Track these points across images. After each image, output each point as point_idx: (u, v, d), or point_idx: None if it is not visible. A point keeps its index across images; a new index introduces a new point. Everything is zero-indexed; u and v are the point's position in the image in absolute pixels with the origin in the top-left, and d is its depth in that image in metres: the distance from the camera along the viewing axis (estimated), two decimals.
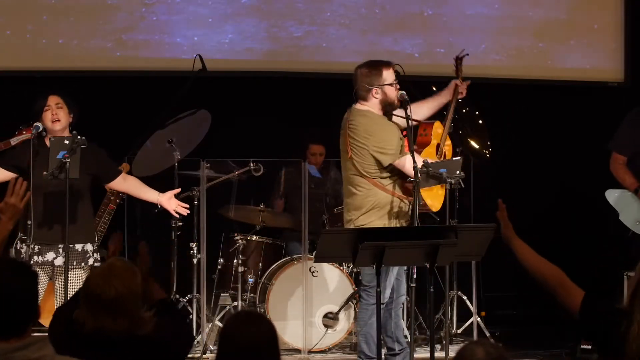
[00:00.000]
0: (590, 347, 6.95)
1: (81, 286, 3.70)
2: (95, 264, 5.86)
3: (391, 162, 5.99)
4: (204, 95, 7.74)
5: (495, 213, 3.78)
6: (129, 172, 6.86)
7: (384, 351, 6.25)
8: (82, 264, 5.84)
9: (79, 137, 5.67)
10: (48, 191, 5.78)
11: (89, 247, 5.86)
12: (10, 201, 4.38)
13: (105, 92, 8.32)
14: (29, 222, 5.72)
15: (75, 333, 3.58)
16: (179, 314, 4.08)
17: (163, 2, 8.30)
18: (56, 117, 5.84)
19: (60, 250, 5.79)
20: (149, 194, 6.13)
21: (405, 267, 6.13)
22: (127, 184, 6.11)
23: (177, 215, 6.17)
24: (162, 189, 6.16)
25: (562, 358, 7.26)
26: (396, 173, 6.07)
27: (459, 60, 6.52)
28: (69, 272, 5.75)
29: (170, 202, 6.08)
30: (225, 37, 8.38)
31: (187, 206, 6.17)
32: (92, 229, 5.99)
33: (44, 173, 5.67)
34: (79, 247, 5.83)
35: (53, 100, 5.88)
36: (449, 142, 6.46)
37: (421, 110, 6.33)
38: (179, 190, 6.21)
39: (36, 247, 5.81)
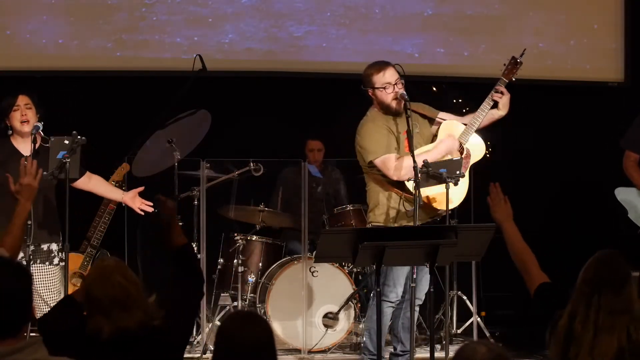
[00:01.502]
0: None
1: (85, 297, 3.63)
2: (61, 263, 5.84)
3: (372, 159, 6.03)
4: (204, 95, 7.73)
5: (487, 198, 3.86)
6: (129, 172, 6.86)
7: (390, 349, 6.27)
8: (47, 263, 5.82)
9: (79, 137, 5.66)
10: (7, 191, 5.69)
11: (53, 246, 5.84)
12: (25, 181, 4.46)
13: (105, 92, 8.32)
14: (29, 222, 5.69)
15: (94, 344, 3.55)
16: (195, 261, 4.06)
17: (163, 2, 8.30)
18: (25, 118, 5.82)
19: (26, 249, 5.72)
20: (113, 193, 6.26)
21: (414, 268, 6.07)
22: (91, 183, 6.09)
23: (142, 213, 6.17)
24: (162, 189, 6.13)
25: None
26: None
27: (514, 60, 6.29)
28: (34, 272, 5.75)
29: (134, 200, 6.13)
30: (225, 37, 8.38)
31: (151, 204, 6.15)
32: (56, 229, 5.91)
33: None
34: (44, 246, 5.82)
35: (22, 101, 5.84)
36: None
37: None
38: (142, 188, 6.21)
39: None
